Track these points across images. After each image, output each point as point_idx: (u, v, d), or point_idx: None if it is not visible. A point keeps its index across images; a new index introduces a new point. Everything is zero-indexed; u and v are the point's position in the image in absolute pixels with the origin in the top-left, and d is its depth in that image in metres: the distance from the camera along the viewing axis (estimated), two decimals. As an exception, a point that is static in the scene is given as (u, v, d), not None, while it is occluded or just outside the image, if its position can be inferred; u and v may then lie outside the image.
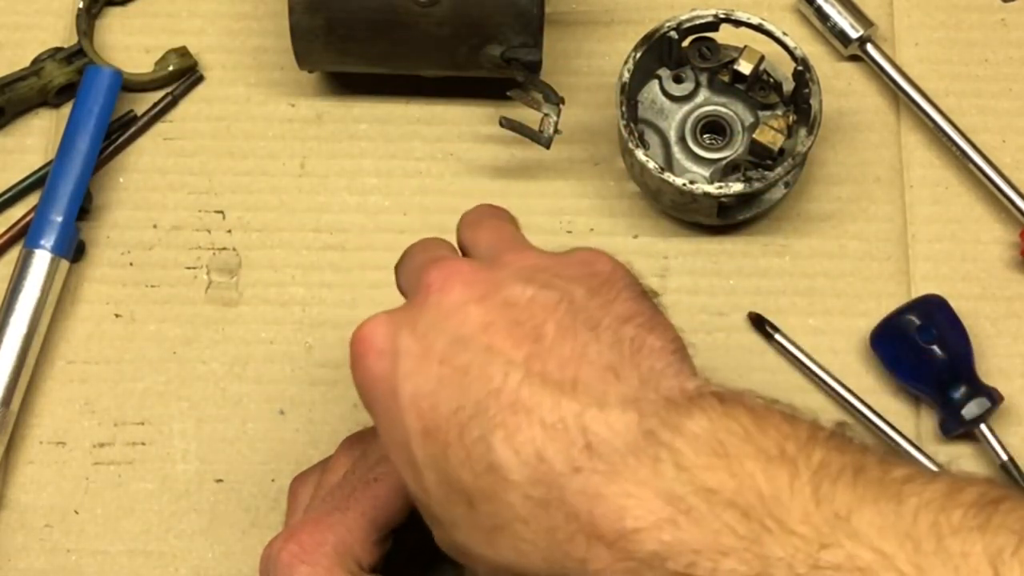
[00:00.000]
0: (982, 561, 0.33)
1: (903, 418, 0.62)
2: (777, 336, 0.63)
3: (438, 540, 0.43)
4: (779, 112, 0.65)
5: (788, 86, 0.65)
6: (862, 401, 0.62)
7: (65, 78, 0.68)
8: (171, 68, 0.69)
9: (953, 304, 0.62)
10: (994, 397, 0.61)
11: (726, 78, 0.65)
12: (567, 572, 0.38)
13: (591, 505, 0.37)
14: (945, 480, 0.36)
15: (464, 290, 0.42)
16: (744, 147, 0.65)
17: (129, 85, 0.68)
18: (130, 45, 0.71)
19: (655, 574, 0.36)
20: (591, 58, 0.70)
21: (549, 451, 0.38)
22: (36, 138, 0.68)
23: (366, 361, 0.43)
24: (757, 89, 0.65)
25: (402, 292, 0.49)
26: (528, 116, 0.64)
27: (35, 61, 0.68)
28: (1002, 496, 0.35)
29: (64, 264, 0.64)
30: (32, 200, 0.66)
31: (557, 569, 0.38)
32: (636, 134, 0.62)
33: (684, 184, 0.61)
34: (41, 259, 0.63)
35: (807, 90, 0.62)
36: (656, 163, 0.61)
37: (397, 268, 0.50)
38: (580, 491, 0.37)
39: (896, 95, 0.68)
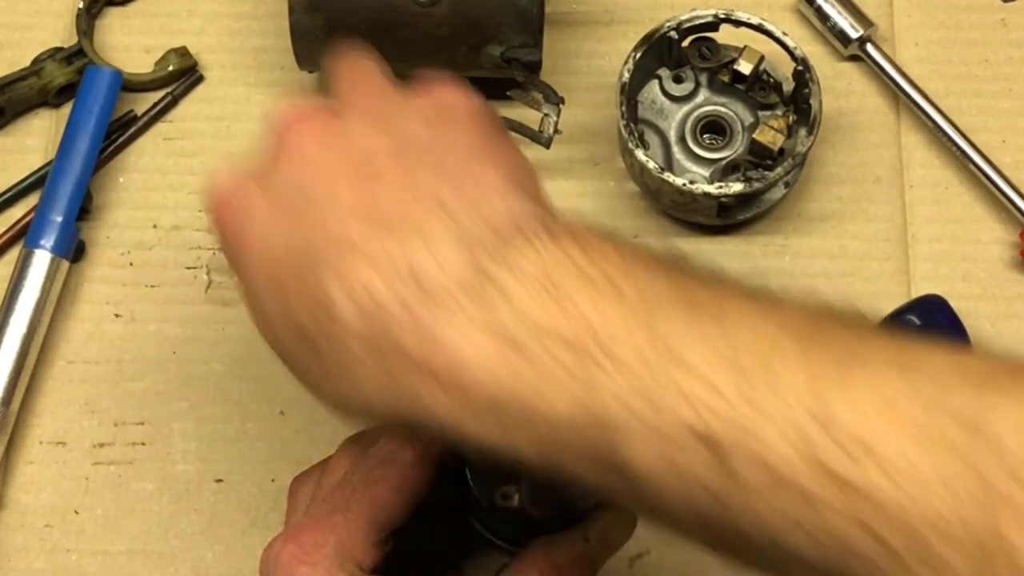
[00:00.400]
0: (803, 388, 0.34)
1: (903, 418, 0.62)
2: (777, 336, 0.63)
3: (300, 382, 0.44)
4: (779, 112, 0.65)
5: (788, 86, 0.65)
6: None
7: (65, 78, 0.68)
8: (171, 68, 0.69)
9: (953, 304, 0.62)
10: (994, 397, 0.60)
11: (726, 78, 0.65)
12: (413, 413, 0.38)
13: (425, 347, 0.37)
14: (766, 302, 0.37)
15: (310, 140, 0.42)
16: (744, 147, 0.65)
17: (129, 85, 0.68)
18: (130, 45, 0.71)
19: (493, 416, 0.36)
20: (591, 58, 0.70)
21: (379, 291, 0.37)
22: (36, 138, 0.68)
23: (220, 214, 0.43)
24: (757, 89, 0.65)
25: None
26: (528, 116, 0.64)
27: (35, 61, 0.68)
28: (821, 312, 0.37)
29: (64, 264, 0.64)
30: (32, 200, 0.66)
31: (403, 408, 0.38)
32: (636, 134, 0.62)
33: (684, 184, 0.61)
34: (41, 259, 0.63)
35: (807, 90, 0.62)
36: (656, 163, 0.61)
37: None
38: (412, 332, 0.37)
39: (896, 95, 0.68)
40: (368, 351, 0.38)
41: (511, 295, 0.37)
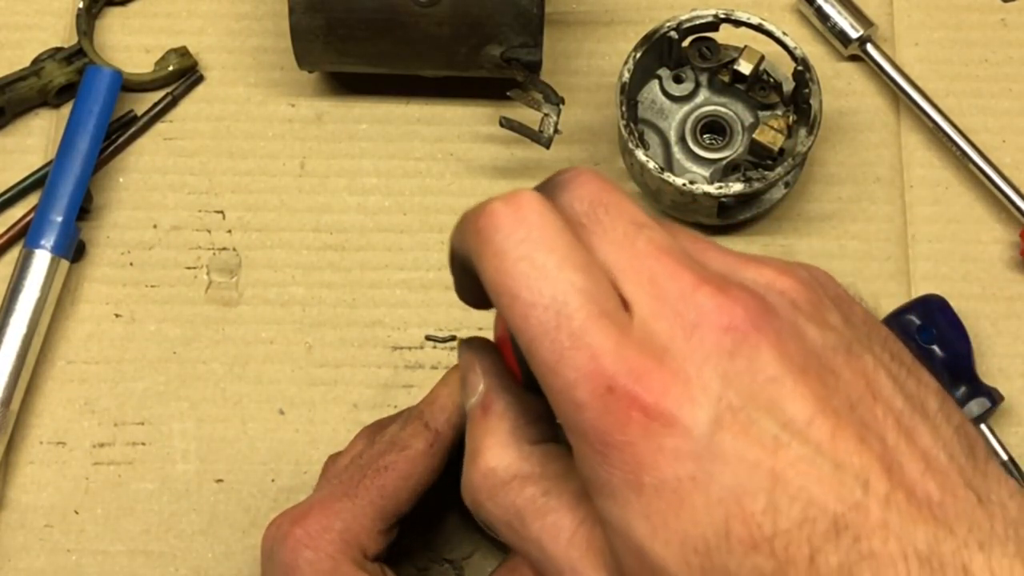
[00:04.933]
0: None
1: (903, 418, 0.62)
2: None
3: None
4: (779, 112, 0.65)
5: (788, 86, 0.65)
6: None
7: (65, 78, 0.68)
8: (171, 68, 0.69)
9: (953, 304, 0.62)
10: (994, 397, 0.61)
11: (726, 78, 0.65)
12: None
13: None
14: None
15: (774, 346, 0.32)
16: (744, 147, 0.65)
17: (129, 85, 0.68)
18: (130, 45, 0.71)
19: None
20: (591, 58, 0.70)
21: None
22: (36, 138, 0.68)
23: (646, 430, 0.31)
24: (757, 89, 0.65)
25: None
26: (528, 116, 0.64)
27: (35, 61, 0.68)
28: None
29: (64, 264, 0.64)
30: (32, 200, 0.66)
31: None
32: (636, 134, 0.62)
33: (684, 184, 0.61)
34: (41, 259, 0.63)
35: (807, 90, 0.62)
36: (656, 163, 0.61)
37: (562, 199, 0.37)
38: None
39: (896, 95, 0.68)
40: None
41: None
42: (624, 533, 0.32)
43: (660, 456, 0.31)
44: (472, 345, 0.41)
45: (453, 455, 0.53)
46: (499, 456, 0.37)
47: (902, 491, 0.31)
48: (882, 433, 0.32)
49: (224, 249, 0.66)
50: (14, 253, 0.65)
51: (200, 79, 0.70)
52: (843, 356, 0.33)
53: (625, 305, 0.33)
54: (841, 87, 0.69)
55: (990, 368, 0.63)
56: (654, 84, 0.66)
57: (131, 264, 0.66)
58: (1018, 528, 0.32)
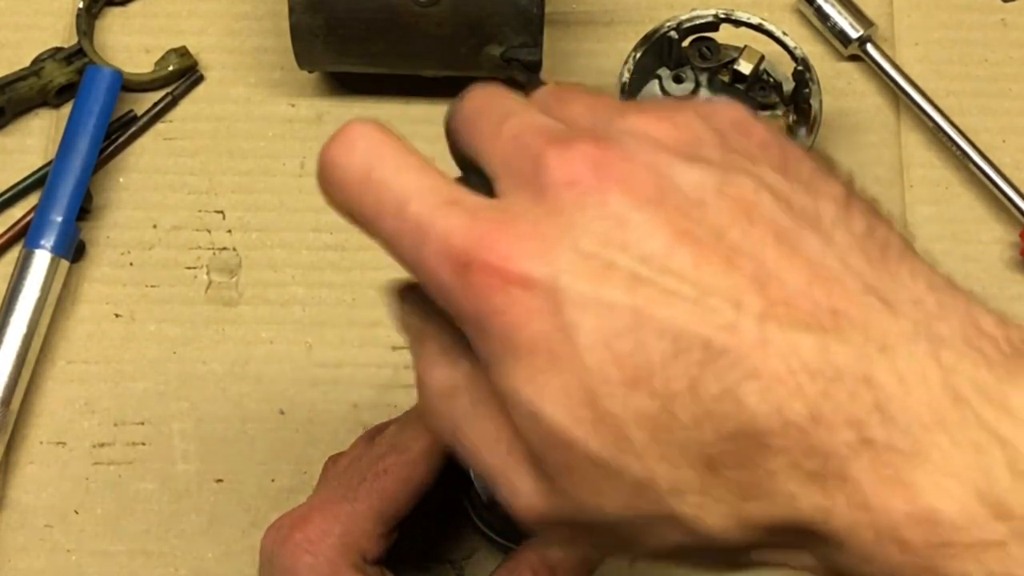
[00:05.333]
0: None
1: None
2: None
3: (614, 513, 0.33)
4: (779, 112, 0.65)
5: (788, 86, 0.65)
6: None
7: (65, 78, 0.68)
8: (171, 68, 0.69)
9: (953, 304, 0.62)
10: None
11: (726, 78, 0.65)
12: (827, 557, 0.31)
13: (886, 492, 0.29)
14: None
15: (624, 191, 0.32)
16: (744, 147, 0.65)
17: (129, 85, 0.68)
18: (130, 45, 0.71)
19: None
20: (591, 58, 0.70)
21: (827, 412, 0.29)
22: (36, 138, 0.68)
23: (507, 295, 0.31)
24: (757, 89, 0.65)
25: (467, 160, 0.37)
26: (528, 116, 0.64)
27: (35, 61, 0.68)
28: None
29: (64, 264, 0.64)
30: (32, 200, 0.66)
31: (814, 552, 0.31)
32: (636, 134, 0.62)
33: (684, 184, 0.61)
34: (41, 259, 0.63)
35: (807, 90, 0.62)
36: (656, 163, 0.61)
37: (456, 126, 0.38)
38: (871, 471, 0.29)
39: (896, 95, 0.68)
40: (801, 484, 0.30)
41: (1015, 456, 0.28)
42: (518, 405, 0.32)
43: (526, 317, 0.31)
44: (397, 289, 0.41)
45: (454, 456, 0.53)
46: (430, 373, 0.37)
47: (782, 305, 0.30)
48: (757, 253, 0.31)
49: (224, 249, 0.66)
50: (14, 253, 0.65)
51: (200, 79, 0.70)
52: (714, 186, 0.32)
53: (498, 197, 0.34)
54: (841, 87, 0.69)
55: (990, 368, 0.63)
56: (654, 84, 0.66)
57: (131, 264, 0.66)
58: (932, 324, 0.30)
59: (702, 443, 0.30)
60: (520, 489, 0.34)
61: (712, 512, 0.31)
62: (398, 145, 0.35)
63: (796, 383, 0.29)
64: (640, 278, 0.31)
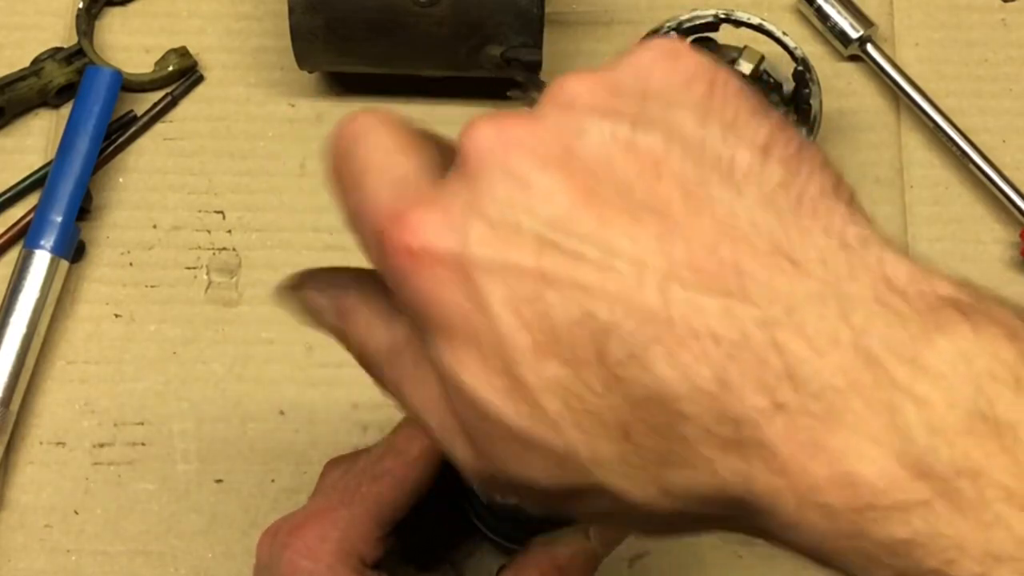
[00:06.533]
0: None
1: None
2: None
3: (540, 482, 0.32)
4: (779, 112, 0.65)
5: (788, 86, 0.65)
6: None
7: (65, 78, 0.68)
8: (171, 68, 0.69)
9: (953, 304, 0.62)
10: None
11: (726, 78, 0.65)
12: (756, 524, 0.30)
13: (804, 457, 0.28)
14: None
15: (527, 153, 0.31)
16: (744, 147, 0.65)
17: (129, 85, 0.68)
18: (130, 45, 0.71)
19: (897, 563, 0.28)
20: (591, 58, 0.70)
21: (735, 376, 0.28)
22: (36, 138, 0.68)
23: (418, 268, 0.32)
24: (757, 89, 0.65)
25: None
26: (528, 116, 0.64)
27: (35, 61, 0.68)
28: None
29: (64, 264, 0.64)
30: (32, 200, 0.66)
31: (743, 520, 0.30)
32: (636, 134, 0.62)
33: (684, 184, 0.61)
34: (41, 259, 0.63)
35: (807, 90, 0.62)
36: (656, 163, 0.61)
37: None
38: (786, 436, 0.28)
39: (896, 95, 0.68)
40: (715, 450, 0.29)
41: (930, 413, 0.27)
42: (444, 376, 0.32)
43: (438, 289, 0.31)
44: (293, 285, 0.41)
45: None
46: (368, 338, 0.37)
47: (685, 267, 0.29)
48: (663, 211, 0.30)
49: (224, 249, 0.66)
50: (14, 253, 0.65)
51: (200, 79, 0.70)
52: (623, 142, 0.31)
53: None
54: (841, 87, 0.69)
55: (990, 368, 0.63)
56: (654, 84, 0.66)
57: (131, 264, 0.66)
58: (842, 284, 0.29)
59: (615, 410, 0.30)
60: (459, 451, 0.33)
61: (635, 481, 0.30)
62: (391, 127, 0.36)
63: (701, 348, 0.28)
64: (545, 241, 0.30)
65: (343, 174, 0.35)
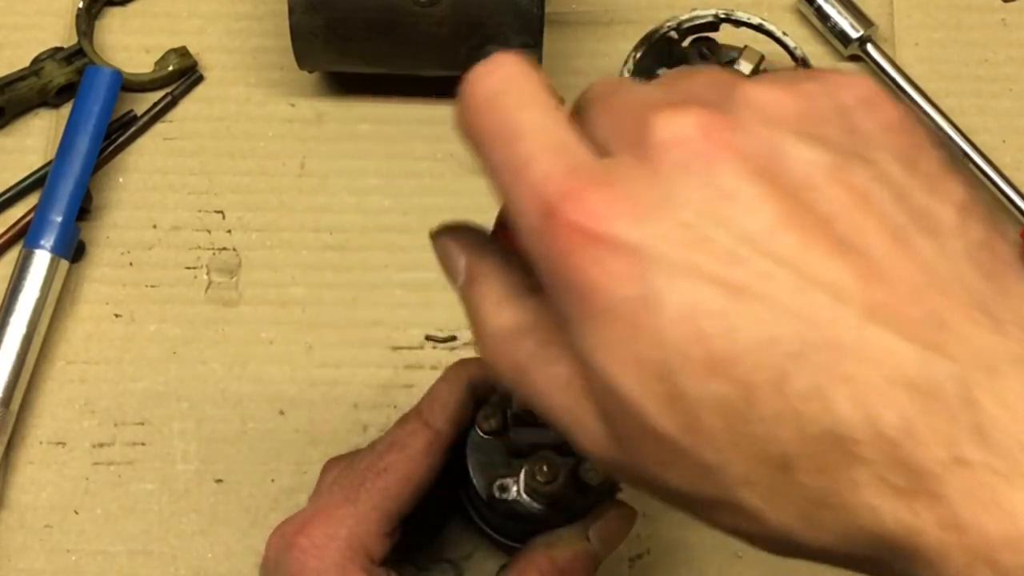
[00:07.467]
0: None
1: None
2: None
3: (676, 487, 0.31)
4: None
5: (788, 86, 0.65)
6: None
7: (65, 78, 0.68)
8: (171, 68, 0.69)
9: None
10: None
11: (726, 78, 0.65)
12: (905, 571, 0.29)
13: (982, 514, 0.28)
14: None
15: (734, 160, 0.30)
16: (744, 147, 0.65)
17: (129, 85, 0.68)
18: (130, 45, 0.71)
19: None
20: (591, 58, 0.70)
21: (921, 427, 0.27)
22: (36, 138, 0.68)
23: (590, 254, 0.30)
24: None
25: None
26: (528, 116, 0.64)
27: (35, 61, 0.68)
28: None
29: (64, 264, 0.64)
30: (32, 200, 0.66)
31: (888, 564, 0.30)
32: (636, 134, 0.62)
33: (684, 184, 0.61)
34: (41, 259, 0.63)
35: (807, 90, 0.62)
36: (656, 163, 0.61)
37: (581, 105, 0.35)
38: (965, 491, 0.28)
39: (896, 95, 0.68)
40: (884, 497, 0.28)
41: None
42: (591, 365, 0.31)
43: (607, 279, 0.29)
44: (444, 231, 0.39)
45: (452, 453, 0.53)
46: (495, 315, 0.35)
47: (887, 308, 0.28)
48: (867, 248, 0.29)
49: (224, 249, 0.66)
50: (14, 253, 0.65)
51: (200, 79, 0.70)
52: (828, 169, 0.30)
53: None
54: (841, 87, 0.69)
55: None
56: (654, 84, 0.66)
57: (131, 264, 0.66)
58: None
59: (780, 440, 0.28)
60: (590, 432, 0.32)
61: (780, 509, 0.29)
62: (535, 81, 0.34)
63: (892, 393, 0.28)
64: (738, 256, 0.29)
65: (487, 127, 0.33)
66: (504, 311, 0.35)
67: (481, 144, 0.34)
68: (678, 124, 0.30)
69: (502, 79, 0.34)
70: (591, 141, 0.32)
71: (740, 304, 0.28)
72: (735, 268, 0.29)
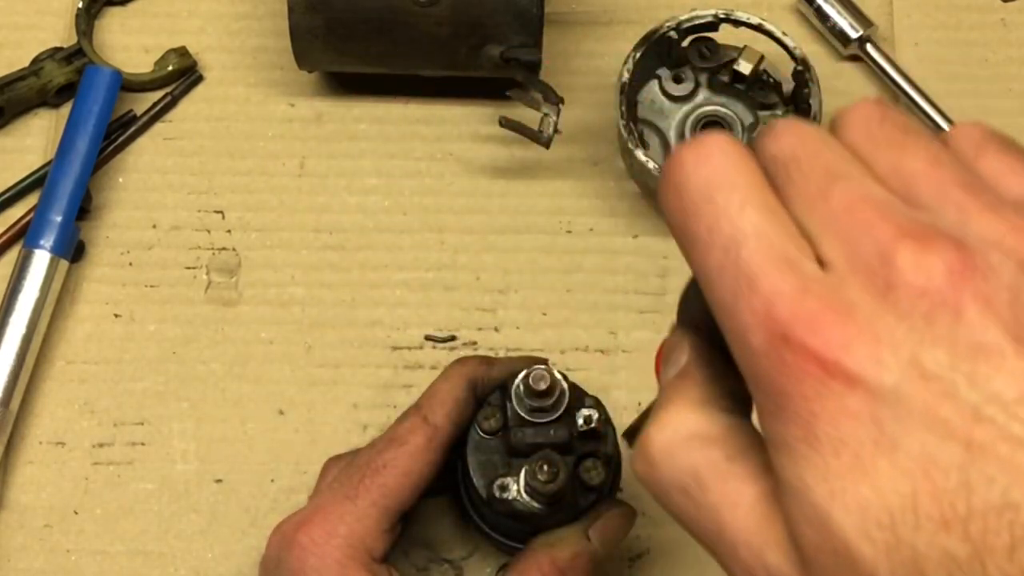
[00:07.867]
0: None
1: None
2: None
3: None
4: (779, 112, 0.65)
5: (788, 86, 0.65)
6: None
7: (65, 78, 0.68)
8: (171, 68, 0.69)
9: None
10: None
11: (726, 78, 0.65)
12: None
13: None
14: None
15: (996, 319, 0.28)
16: (744, 147, 0.65)
17: (129, 85, 0.68)
18: (130, 45, 0.71)
19: None
20: (591, 58, 0.70)
21: None
22: (36, 138, 0.68)
23: (823, 385, 0.29)
24: (757, 89, 0.65)
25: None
26: (528, 116, 0.64)
27: (35, 61, 0.68)
28: None
29: (64, 264, 0.64)
30: (32, 200, 0.66)
31: None
32: (636, 134, 0.62)
33: (684, 184, 0.61)
34: (41, 259, 0.63)
35: (807, 90, 0.62)
36: (656, 163, 0.61)
37: (764, 159, 0.34)
38: None
39: (896, 95, 0.68)
40: None
41: None
42: (802, 495, 0.29)
43: (839, 415, 0.28)
44: (684, 324, 0.37)
45: (452, 452, 0.53)
46: (685, 415, 0.34)
47: None
48: None
49: (224, 249, 0.66)
50: (14, 253, 0.65)
51: (200, 79, 0.70)
52: None
53: (823, 266, 0.30)
54: (841, 87, 0.69)
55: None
56: (654, 84, 0.66)
57: (131, 264, 0.66)
58: None
59: None
60: (768, 560, 0.31)
61: None
62: (753, 174, 0.32)
63: None
64: (982, 415, 0.27)
65: (703, 227, 0.31)
66: (696, 415, 0.34)
67: (694, 244, 0.32)
68: (926, 271, 0.29)
69: (718, 171, 0.32)
70: (793, 216, 0.31)
71: (979, 463, 0.27)
72: (978, 425, 0.28)
